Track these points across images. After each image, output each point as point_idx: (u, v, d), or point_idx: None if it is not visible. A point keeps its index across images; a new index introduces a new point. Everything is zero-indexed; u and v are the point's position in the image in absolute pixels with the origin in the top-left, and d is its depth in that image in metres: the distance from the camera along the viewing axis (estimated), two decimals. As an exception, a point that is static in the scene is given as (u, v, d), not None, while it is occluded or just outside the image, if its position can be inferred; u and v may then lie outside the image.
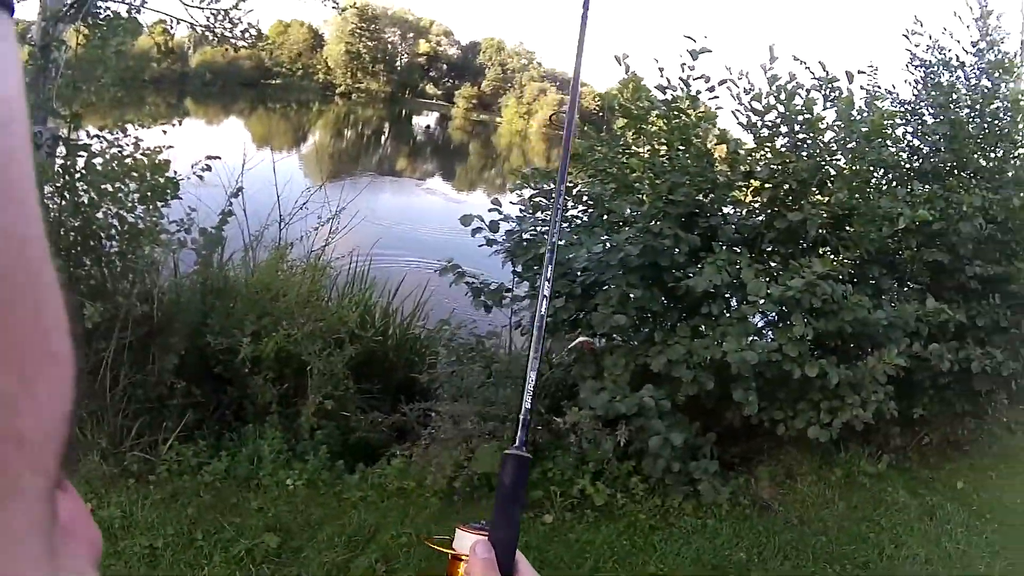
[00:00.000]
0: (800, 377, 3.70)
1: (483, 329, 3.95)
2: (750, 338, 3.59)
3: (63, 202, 3.91)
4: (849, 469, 4.55)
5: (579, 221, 3.81)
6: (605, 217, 3.64)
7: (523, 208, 3.63)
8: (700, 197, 3.70)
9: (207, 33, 5.74)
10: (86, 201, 3.85)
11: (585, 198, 3.62)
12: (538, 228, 3.66)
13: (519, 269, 3.56)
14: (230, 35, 5.66)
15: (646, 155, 3.66)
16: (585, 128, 4.00)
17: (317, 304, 3.68)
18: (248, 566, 3.04)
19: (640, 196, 3.52)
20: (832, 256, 4.08)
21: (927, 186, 4.57)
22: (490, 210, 3.53)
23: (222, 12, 5.55)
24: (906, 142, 5.51)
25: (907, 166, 5.32)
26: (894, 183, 5.10)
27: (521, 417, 0.71)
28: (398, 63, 63.28)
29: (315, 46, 57.26)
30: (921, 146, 5.47)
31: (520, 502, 0.75)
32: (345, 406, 3.67)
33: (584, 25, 0.88)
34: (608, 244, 3.35)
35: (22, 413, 0.25)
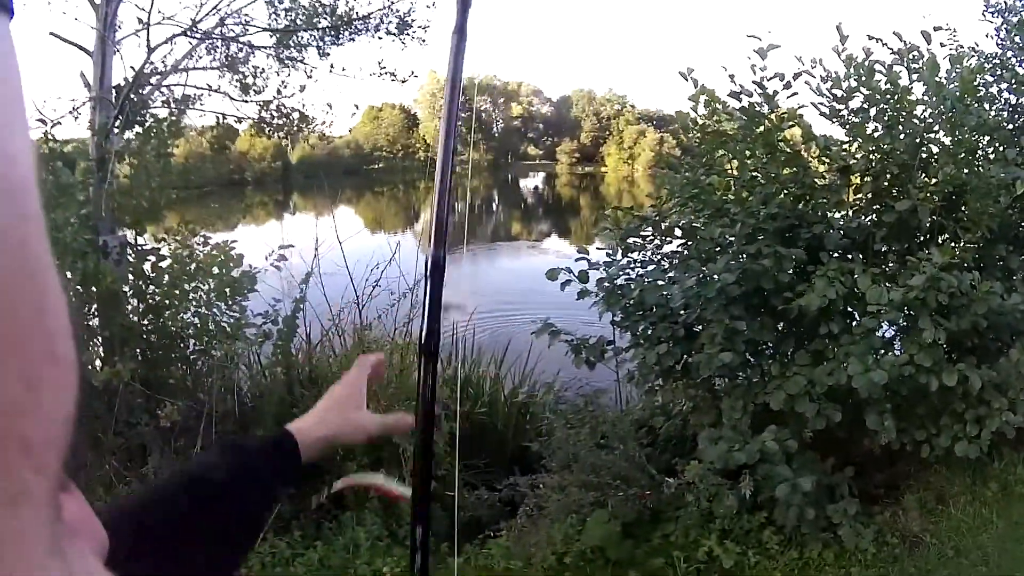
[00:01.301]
0: (938, 389, 3.24)
1: (596, 385, 3.66)
2: (877, 355, 3.16)
3: (140, 306, 3.94)
4: (1005, 481, 4.02)
5: (676, 256, 3.45)
6: (698, 247, 3.27)
7: (610, 252, 3.32)
8: (799, 206, 3.29)
9: (262, 124, 5.82)
10: (159, 303, 3.86)
11: (678, 231, 3.28)
12: (631, 271, 3.33)
13: (617, 318, 3.25)
14: (281, 123, 5.74)
15: (733, 171, 3.28)
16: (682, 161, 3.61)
17: (405, 383, 3.46)
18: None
19: (732, 217, 3.15)
20: (952, 243, 3.60)
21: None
22: (577, 260, 3.23)
23: (264, 103, 5.61)
24: (1003, 100, 4.95)
25: (1009, 126, 4.75)
26: (1001, 147, 4.55)
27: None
28: (495, 130, 64.55)
29: (410, 126, 59.18)
30: (1020, 100, 4.92)
31: None
32: (449, 485, 3.44)
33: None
34: (703, 275, 2.99)
35: (26, 416, 0.25)
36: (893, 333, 3.58)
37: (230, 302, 3.95)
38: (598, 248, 3.49)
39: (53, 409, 0.26)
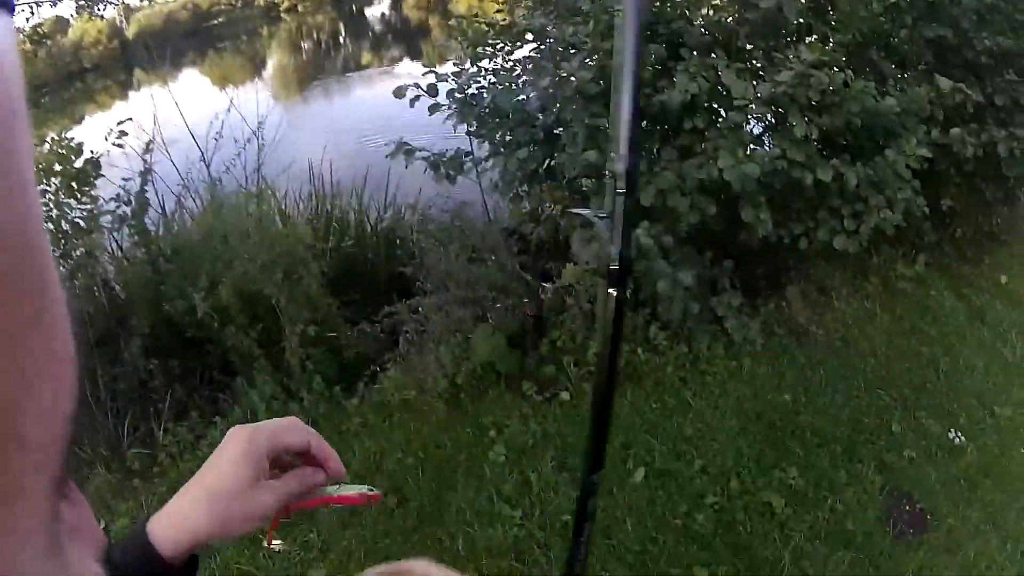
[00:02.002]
0: (813, 183, 3.28)
1: (460, 200, 3.54)
2: (747, 149, 3.15)
3: None
4: (885, 275, 4.16)
5: (530, 62, 3.33)
6: (546, 47, 3.16)
7: (458, 62, 3.17)
8: (656, 4, 3.20)
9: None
10: None
11: (530, 36, 3.15)
12: (483, 79, 3.20)
13: (473, 128, 3.13)
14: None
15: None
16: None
17: (265, 231, 3.30)
18: (258, 537, 2.76)
19: (585, 15, 3.04)
20: (820, 43, 3.59)
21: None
22: (425, 74, 3.07)
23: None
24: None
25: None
26: None
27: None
28: None
29: None
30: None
31: None
32: (331, 326, 3.33)
33: None
34: (559, 76, 2.89)
35: (24, 414, 0.25)
36: (762, 129, 3.59)
37: (79, 196, 3.71)
38: (453, 63, 3.35)
39: (51, 407, 0.26)
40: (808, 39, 3.76)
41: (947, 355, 3.86)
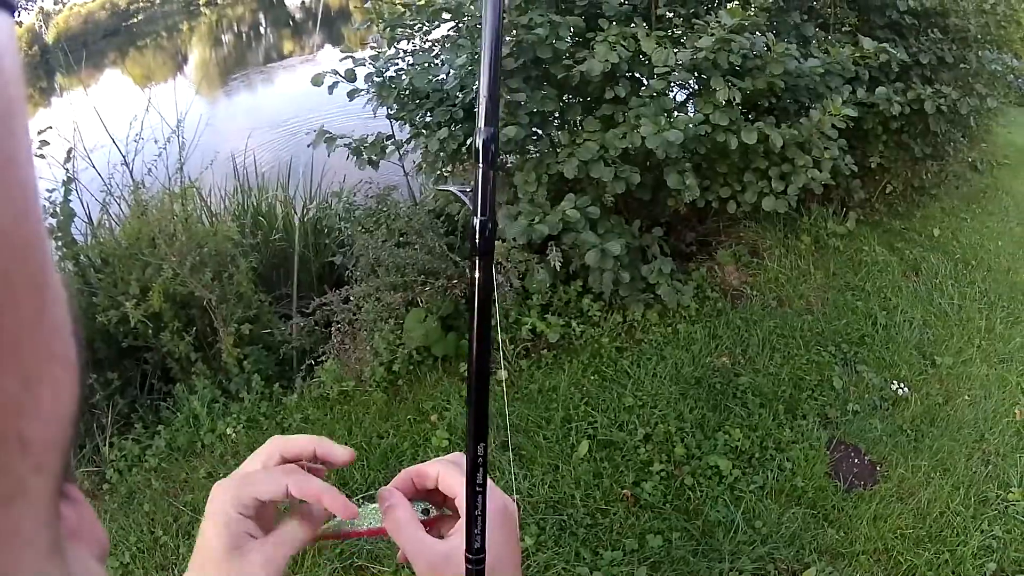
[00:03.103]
0: (739, 147, 3.32)
1: (384, 184, 3.49)
2: (670, 116, 3.17)
3: None
4: (816, 234, 4.25)
5: (447, 40, 3.30)
6: (462, 26, 3.13)
7: (374, 45, 3.13)
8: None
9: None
10: None
11: (445, 15, 3.11)
12: (400, 61, 3.16)
13: (393, 110, 3.09)
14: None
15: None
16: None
17: (191, 231, 3.22)
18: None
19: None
20: (741, 7, 3.63)
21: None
22: (342, 60, 3.02)
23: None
24: None
25: None
26: None
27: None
28: None
29: None
30: None
31: None
32: (266, 323, 3.27)
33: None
34: (475, 53, 2.87)
35: (25, 415, 0.25)
36: (685, 96, 3.62)
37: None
38: (371, 47, 3.29)
39: (53, 408, 0.26)
40: (729, 5, 3.81)
41: (884, 309, 3.94)
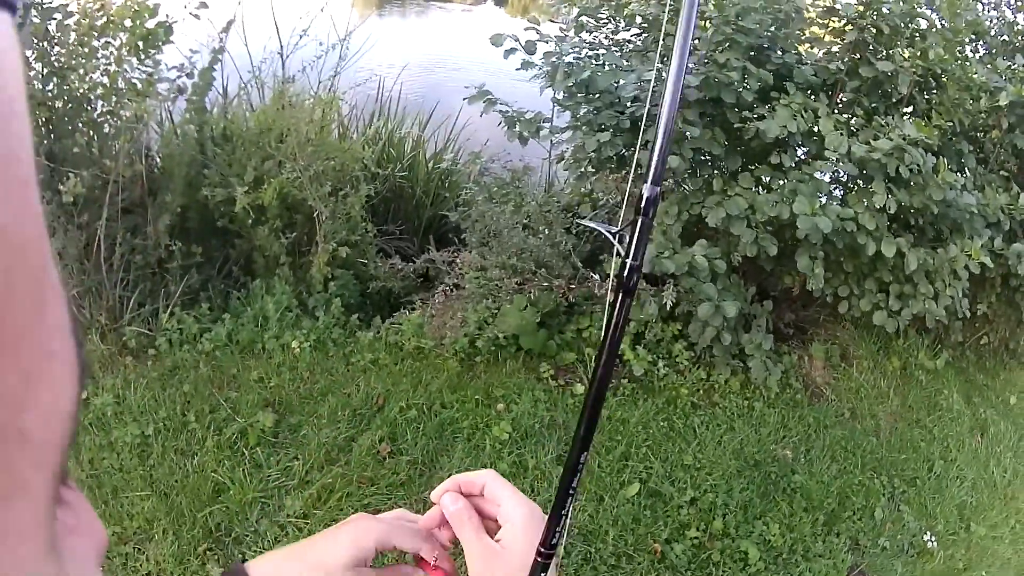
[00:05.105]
0: (873, 254, 3.25)
1: (525, 162, 3.44)
2: (822, 199, 3.10)
3: (44, 71, 3.51)
4: (907, 360, 4.16)
5: (632, 46, 3.25)
6: (661, 42, 3.07)
7: (563, 27, 3.08)
8: (772, 28, 3.13)
9: None
10: (67, 64, 3.43)
11: (639, 20, 3.05)
12: (583, 51, 3.11)
13: (560, 96, 3.05)
14: None
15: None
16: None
17: (324, 141, 3.20)
18: (241, 450, 2.71)
19: (704, 21, 2.96)
20: (922, 120, 3.55)
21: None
22: (526, 29, 2.98)
23: None
24: (999, 12, 4.90)
25: (1003, 37, 4.72)
26: (985, 52, 4.54)
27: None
28: None
29: None
30: (1016, 20, 4.87)
31: None
32: (364, 252, 3.24)
33: None
34: (663, 72, 2.81)
35: (25, 411, 0.25)
36: (838, 185, 3.54)
37: (142, 56, 3.57)
38: (551, 21, 3.24)
39: (52, 404, 0.26)
40: (906, 110, 3.73)
41: (943, 459, 3.88)
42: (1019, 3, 4.90)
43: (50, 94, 3.65)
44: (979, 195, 3.57)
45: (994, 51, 4.51)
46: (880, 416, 3.82)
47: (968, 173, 4.08)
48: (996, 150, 4.39)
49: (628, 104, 2.88)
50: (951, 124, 3.69)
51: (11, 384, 0.24)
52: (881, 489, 3.47)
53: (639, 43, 3.22)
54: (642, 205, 1.60)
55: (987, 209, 3.62)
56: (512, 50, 2.91)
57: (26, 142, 0.25)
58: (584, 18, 3.13)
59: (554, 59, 2.91)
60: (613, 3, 3.09)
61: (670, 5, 3.19)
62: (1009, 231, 3.95)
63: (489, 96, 2.93)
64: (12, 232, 0.24)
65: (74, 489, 0.34)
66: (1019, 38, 4.71)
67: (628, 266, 1.62)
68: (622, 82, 2.83)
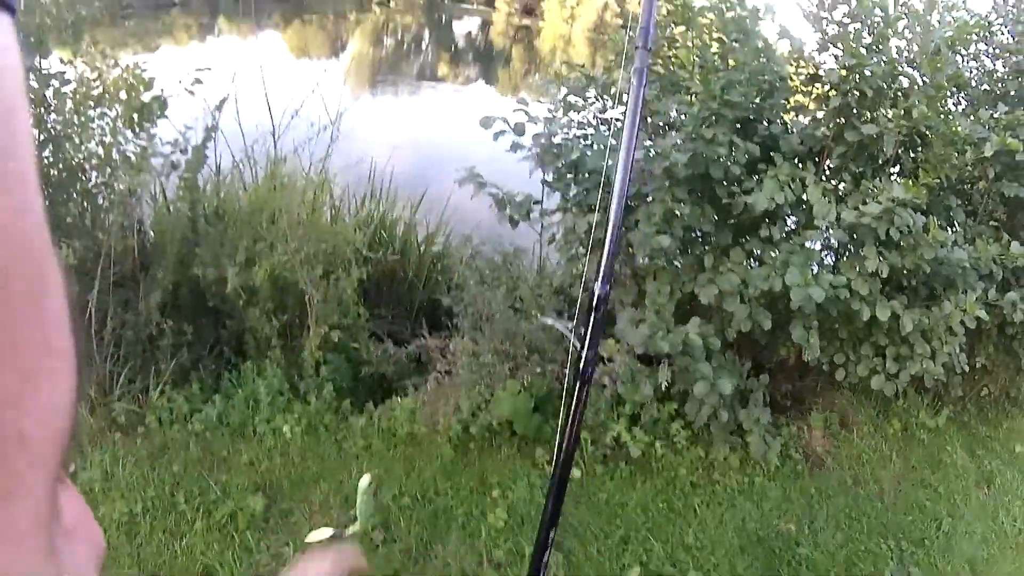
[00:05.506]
0: (868, 319, 3.23)
1: (514, 245, 3.43)
2: (814, 268, 3.09)
3: (41, 137, 3.54)
4: (907, 421, 4.12)
5: (619, 124, 3.25)
6: (649, 120, 3.10)
7: (551, 109, 3.11)
8: (758, 100, 3.15)
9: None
10: (62, 132, 3.46)
11: (625, 98, 3.05)
12: (571, 131, 3.13)
13: (549, 178, 3.05)
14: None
15: (696, 48, 3.09)
16: (627, 27, 3.42)
17: (316, 224, 3.20)
18: (231, 533, 2.67)
19: (690, 96, 2.98)
20: (910, 180, 3.56)
21: (1014, 111, 4.00)
22: (515, 111, 3.00)
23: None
24: (978, 62, 4.96)
25: (984, 87, 4.77)
26: (967, 104, 4.58)
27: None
28: None
29: None
30: (996, 68, 4.93)
31: None
32: (356, 336, 3.23)
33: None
34: (652, 151, 2.83)
35: (24, 410, 0.24)
36: (828, 251, 3.54)
37: (137, 129, 3.60)
38: (539, 101, 3.26)
39: (51, 401, 0.26)
40: (893, 169, 3.74)
41: (950, 515, 3.81)
42: (996, 50, 4.96)
43: (46, 161, 3.68)
44: (970, 248, 3.57)
45: (976, 102, 4.55)
46: (883, 480, 3.76)
47: (958, 227, 4.08)
48: (984, 200, 4.41)
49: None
50: (938, 180, 3.70)
51: (10, 383, 0.24)
52: (889, 553, 3.40)
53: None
54: (594, 303, 1.75)
55: (979, 262, 3.61)
56: (502, 132, 2.92)
57: (26, 139, 0.25)
58: (572, 97, 3.16)
59: (543, 140, 2.93)
60: (600, 82, 3.12)
61: (658, 83, 3.23)
62: (1002, 280, 3.94)
63: (479, 178, 2.94)
64: (12, 228, 0.24)
65: (74, 491, 0.34)
66: (999, 86, 4.77)
67: (583, 360, 1.52)
68: (611, 162, 2.84)
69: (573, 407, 1.69)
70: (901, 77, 3.60)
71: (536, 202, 3.04)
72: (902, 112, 3.45)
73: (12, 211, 0.24)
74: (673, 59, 3.21)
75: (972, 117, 3.85)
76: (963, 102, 4.61)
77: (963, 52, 4.55)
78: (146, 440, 3.19)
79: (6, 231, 0.23)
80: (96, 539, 0.35)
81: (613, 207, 1.55)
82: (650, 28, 1.47)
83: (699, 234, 3.06)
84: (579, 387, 1.67)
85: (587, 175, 3.00)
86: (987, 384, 4.70)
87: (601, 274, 1.57)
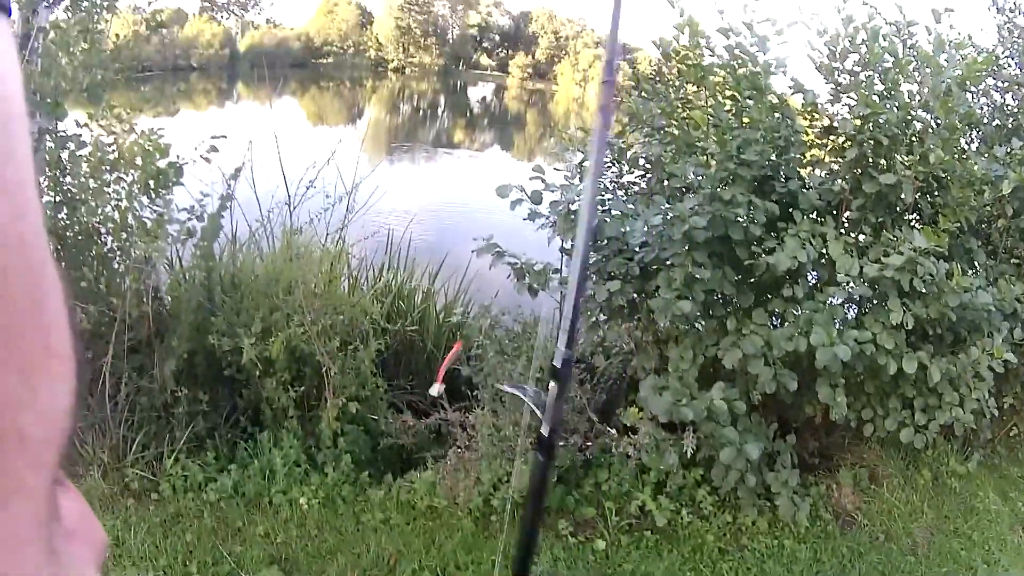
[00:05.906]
0: (895, 372, 3.15)
1: (534, 314, 3.40)
2: (838, 325, 3.03)
3: (56, 199, 3.56)
4: (937, 470, 4.02)
5: (636, 188, 3.24)
6: (666, 183, 3.07)
7: (568, 175, 3.08)
8: (774, 157, 3.12)
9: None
10: (78, 196, 3.48)
11: (642, 161, 3.04)
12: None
13: (568, 245, 3.03)
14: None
15: (710, 108, 3.07)
16: (640, 88, 3.41)
17: (333, 295, 3.18)
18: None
19: (706, 157, 2.96)
20: (930, 227, 3.51)
21: (1027, 146, 3.95)
22: (531, 179, 2.98)
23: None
24: (988, 98, 4.93)
25: (995, 122, 4.73)
26: (987, 142, 4.53)
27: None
28: (450, 36, 63.53)
29: (364, 23, 57.62)
30: (1006, 102, 4.90)
31: None
32: (374, 407, 3.19)
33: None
34: (670, 215, 2.80)
35: (23, 411, 0.25)
36: (850, 305, 3.48)
37: (153, 195, 3.60)
38: (555, 169, 3.24)
39: (50, 403, 0.26)
40: (912, 216, 3.69)
41: (986, 562, 3.70)
42: (1005, 84, 4.92)
43: (61, 223, 3.69)
44: (993, 290, 3.50)
45: (989, 139, 4.51)
46: (916, 533, 3.66)
47: (979, 268, 4.01)
48: (1004, 239, 4.34)
49: (636, 250, 2.86)
50: (958, 224, 3.65)
51: (10, 383, 0.24)
52: (926, 611, 3.29)
53: (644, 185, 3.21)
54: (559, 368, 1.68)
55: (1003, 304, 3.54)
56: (519, 200, 2.90)
57: (24, 142, 0.25)
58: (588, 163, 3.14)
59: (560, 208, 2.90)
60: (615, 147, 3.10)
61: (673, 145, 3.21)
62: (1024, 320, 3.87)
63: (497, 248, 2.92)
64: (10, 231, 0.23)
65: (74, 491, 0.34)
66: (1011, 120, 4.72)
67: (546, 433, 1.47)
68: (629, 228, 2.82)
69: (537, 480, 1.64)
70: (915, 122, 3.57)
71: (555, 270, 3.01)
72: (918, 158, 3.41)
73: (11, 214, 0.24)
74: (687, 119, 3.19)
75: (987, 155, 3.81)
76: (976, 140, 4.58)
77: (973, 89, 4.52)
78: (159, 507, 3.16)
79: (5, 234, 0.24)
80: (97, 538, 0.35)
81: (576, 264, 1.48)
82: (614, 61, 1.40)
83: (720, 296, 3.01)
84: (544, 463, 1.62)
85: (606, 242, 2.97)
86: (1016, 423, 4.60)
87: (566, 338, 1.50)
